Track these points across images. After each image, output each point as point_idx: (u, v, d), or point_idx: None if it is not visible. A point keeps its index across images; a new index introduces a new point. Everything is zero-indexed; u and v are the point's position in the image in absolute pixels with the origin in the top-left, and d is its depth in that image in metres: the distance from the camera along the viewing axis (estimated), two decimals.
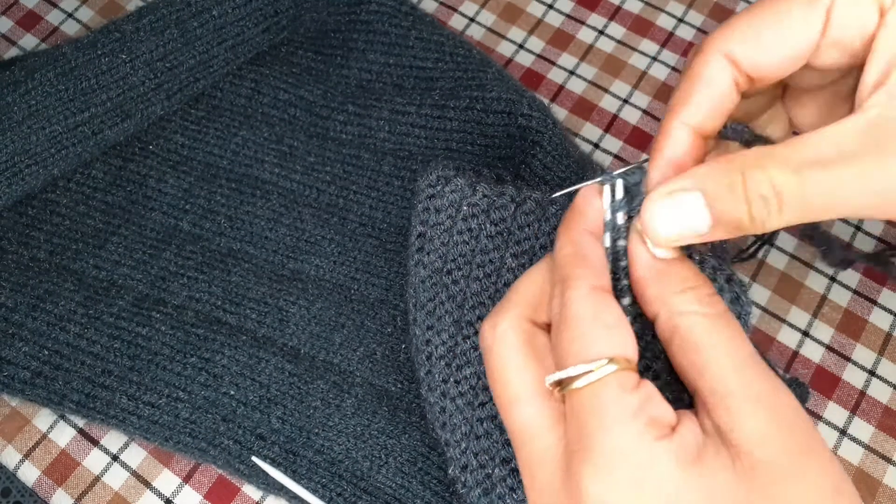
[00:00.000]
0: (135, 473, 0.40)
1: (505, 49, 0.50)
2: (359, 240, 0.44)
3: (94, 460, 0.40)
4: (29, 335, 0.40)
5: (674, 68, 0.49)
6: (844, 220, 0.44)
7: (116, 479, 0.40)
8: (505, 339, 0.29)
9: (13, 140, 0.43)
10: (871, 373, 0.41)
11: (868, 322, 0.42)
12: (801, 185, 0.25)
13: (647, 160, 0.30)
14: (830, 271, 0.43)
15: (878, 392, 0.41)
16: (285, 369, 0.40)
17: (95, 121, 0.45)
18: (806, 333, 0.42)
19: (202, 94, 0.47)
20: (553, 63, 0.50)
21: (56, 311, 0.41)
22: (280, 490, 0.38)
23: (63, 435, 0.41)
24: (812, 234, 0.38)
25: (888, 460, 0.39)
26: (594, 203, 0.30)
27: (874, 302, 0.43)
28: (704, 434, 0.26)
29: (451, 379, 0.34)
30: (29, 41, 0.51)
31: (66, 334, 0.40)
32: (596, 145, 0.47)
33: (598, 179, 0.31)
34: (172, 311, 0.41)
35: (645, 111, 0.48)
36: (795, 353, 0.42)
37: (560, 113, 0.48)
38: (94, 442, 0.41)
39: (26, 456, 0.40)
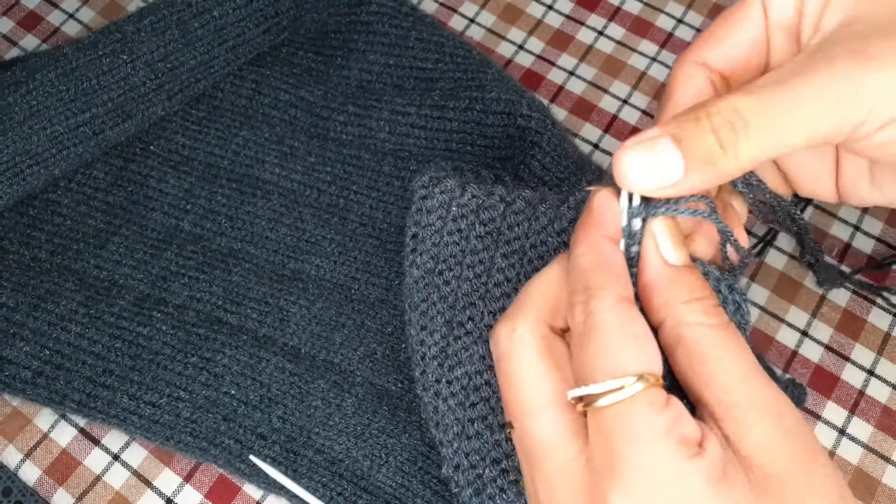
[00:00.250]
0: (136, 473, 0.40)
1: (505, 50, 0.50)
2: (359, 240, 0.44)
3: (95, 460, 0.40)
4: (30, 335, 0.41)
5: None
6: (843, 220, 0.44)
7: (117, 478, 0.40)
8: (523, 345, 0.28)
9: (14, 140, 0.43)
10: (870, 372, 0.41)
11: (867, 322, 0.42)
12: (761, 102, 0.26)
13: None
14: None
15: (877, 392, 0.41)
16: (286, 369, 0.40)
17: (96, 121, 0.45)
18: (805, 333, 0.42)
19: (203, 95, 0.47)
20: (553, 64, 0.50)
21: (57, 310, 0.41)
22: (281, 489, 0.38)
23: (64, 434, 0.41)
24: (814, 263, 0.39)
25: (887, 460, 0.40)
26: (612, 206, 0.29)
27: (873, 302, 0.43)
28: (726, 450, 0.25)
29: (444, 379, 0.34)
30: (30, 42, 0.51)
31: (68, 334, 0.41)
32: (595, 146, 0.47)
33: (612, 182, 0.31)
34: (173, 311, 0.41)
35: (644, 112, 0.48)
36: (794, 353, 0.42)
37: (560, 113, 0.48)
38: (95, 441, 0.41)
39: (27, 455, 0.40)
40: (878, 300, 0.43)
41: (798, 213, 0.34)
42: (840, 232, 0.44)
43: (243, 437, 0.39)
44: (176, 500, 0.39)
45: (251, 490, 0.40)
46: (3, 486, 0.39)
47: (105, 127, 0.45)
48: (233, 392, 0.39)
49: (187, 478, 0.40)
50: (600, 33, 0.51)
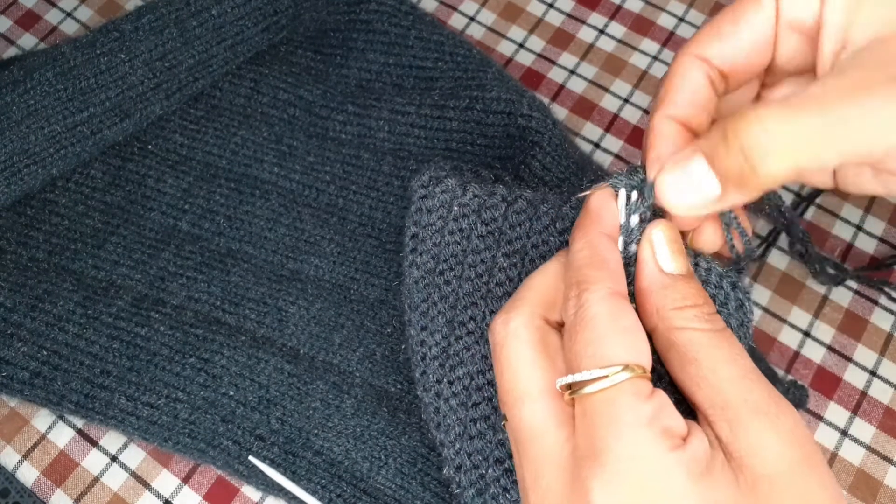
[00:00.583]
0: (134, 474, 0.40)
1: (505, 48, 0.50)
2: (358, 240, 0.43)
3: (92, 461, 0.40)
4: (28, 335, 0.40)
5: None
6: (846, 220, 0.44)
7: (115, 479, 0.40)
8: (517, 336, 0.28)
9: (12, 140, 0.43)
10: (873, 373, 0.41)
11: (869, 322, 0.42)
12: (794, 123, 0.26)
13: None
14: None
15: (880, 392, 0.41)
16: (284, 370, 0.40)
17: (94, 120, 0.45)
18: (807, 334, 0.42)
19: (201, 94, 0.47)
20: (553, 62, 0.50)
21: (55, 311, 0.41)
22: (279, 491, 0.38)
23: (62, 435, 0.41)
24: (804, 253, 0.38)
25: (889, 461, 0.39)
26: (610, 206, 0.30)
27: (875, 302, 0.43)
28: (711, 446, 0.25)
29: (445, 379, 0.34)
30: (28, 40, 0.51)
31: (65, 334, 0.40)
32: (596, 145, 0.47)
33: (611, 182, 0.31)
34: (171, 312, 0.41)
35: (646, 111, 0.48)
36: (796, 354, 0.42)
37: (560, 112, 0.48)
38: (93, 442, 0.41)
39: (25, 456, 0.40)
40: (881, 300, 0.42)
41: (785, 203, 0.34)
42: (842, 232, 0.44)
43: (242, 439, 0.39)
44: (174, 502, 0.39)
45: (250, 492, 0.39)
46: (0, 487, 0.39)
47: (103, 126, 0.45)
48: (231, 393, 0.39)
49: (186, 479, 0.40)
50: (601, 32, 0.50)
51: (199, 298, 0.42)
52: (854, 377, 0.41)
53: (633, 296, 0.30)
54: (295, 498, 0.38)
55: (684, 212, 0.28)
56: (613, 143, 0.47)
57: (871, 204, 0.45)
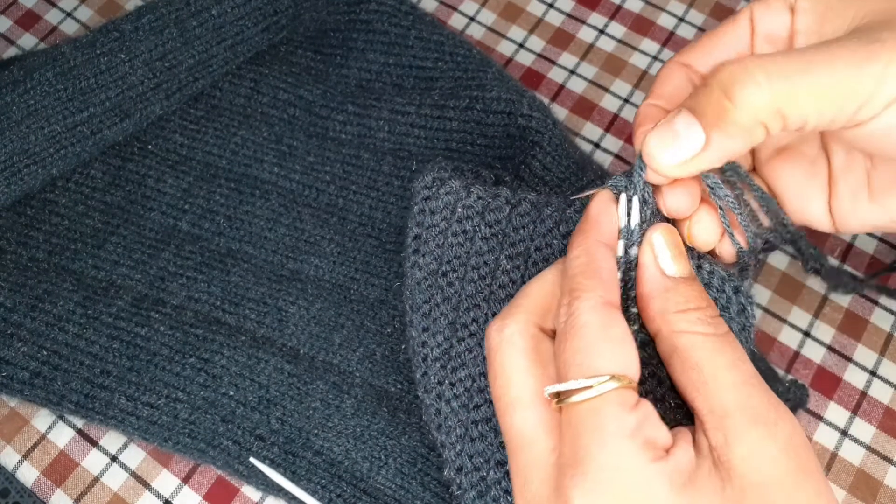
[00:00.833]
0: (134, 474, 0.40)
1: (505, 48, 0.50)
2: (358, 240, 0.43)
3: (92, 461, 0.40)
4: (28, 335, 0.40)
5: None
6: None
7: (115, 479, 0.40)
8: (511, 342, 0.29)
9: (12, 140, 0.43)
10: (873, 373, 0.41)
11: (869, 322, 0.42)
12: (770, 61, 0.27)
13: None
14: None
15: (880, 392, 0.41)
16: (284, 370, 0.40)
17: (94, 120, 0.45)
18: (807, 334, 0.42)
19: (201, 94, 0.47)
20: (553, 62, 0.50)
21: (55, 311, 0.41)
22: (279, 491, 0.38)
23: (62, 435, 0.41)
24: (819, 269, 0.38)
25: (889, 461, 0.39)
26: (609, 212, 0.30)
27: (875, 302, 0.43)
28: (699, 454, 0.25)
29: (447, 381, 0.34)
30: (28, 40, 0.51)
31: (65, 334, 0.40)
32: (596, 145, 0.47)
33: (611, 183, 0.31)
34: (171, 312, 0.41)
35: None
36: (796, 354, 0.42)
37: (560, 112, 0.48)
38: (93, 442, 0.41)
39: (25, 456, 0.40)
40: (881, 300, 0.42)
41: (788, 218, 0.33)
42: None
43: (242, 439, 0.39)
44: (174, 502, 0.39)
45: (250, 492, 0.39)
46: (0, 488, 0.39)
47: (103, 126, 0.45)
48: (231, 393, 0.39)
49: (186, 479, 0.40)
50: (601, 32, 0.50)
51: (199, 298, 0.42)
52: (854, 377, 0.41)
53: (636, 300, 0.30)
54: (295, 498, 0.38)
55: (674, 170, 0.28)
56: (613, 143, 0.47)
57: None
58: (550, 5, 0.51)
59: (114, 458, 0.40)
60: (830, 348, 0.42)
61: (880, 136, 0.28)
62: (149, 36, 0.45)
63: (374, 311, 0.42)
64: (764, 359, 0.39)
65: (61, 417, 0.41)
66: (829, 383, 0.41)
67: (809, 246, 0.37)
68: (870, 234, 0.44)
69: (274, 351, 0.40)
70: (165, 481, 0.40)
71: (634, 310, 0.30)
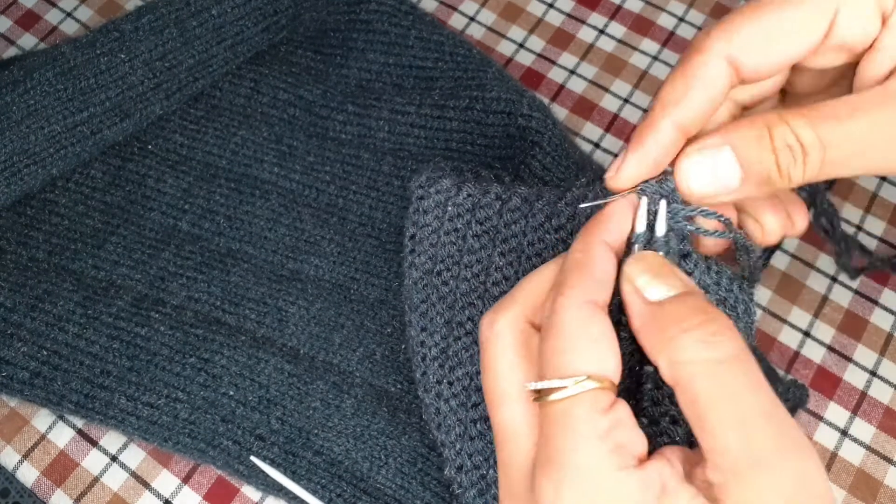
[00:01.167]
0: (134, 474, 0.40)
1: (505, 48, 0.50)
2: (358, 240, 0.43)
3: (92, 461, 0.40)
4: (28, 335, 0.40)
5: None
6: (846, 220, 0.44)
7: (115, 479, 0.40)
8: (501, 337, 0.28)
9: (12, 140, 0.43)
10: (873, 373, 0.41)
11: (869, 322, 0.42)
12: (820, 136, 0.27)
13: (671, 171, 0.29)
14: (832, 271, 0.43)
15: (880, 392, 0.41)
16: (284, 370, 0.40)
17: (94, 120, 0.45)
18: (807, 334, 0.42)
19: (201, 94, 0.47)
20: (553, 62, 0.50)
21: (55, 311, 0.41)
22: (279, 491, 0.38)
23: (62, 435, 0.41)
24: (829, 229, 0.37)
25: (889, 461, 0.39)
26: (623, 214, 0.29)
27: (875, 302, 0.43)
28: (690, 481, 0.24)
29: (445, 380, 0.34)
30: (28, 40, 0.51)
31: (65, 334, 0.40)
32: (596, 145, 0.47)
33: (640, 188, 0.29)
34: (171, 312, 0.41)
35: (646, 111, 0.48)
36: (796, 354, 0.42)
37: (560, 112, 0.48)
38: (93, 442, 0.41)
39: (25, 456, 0.40)
40: (881, 300, 0.42)
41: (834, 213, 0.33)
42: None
43: (242, 439, 0.39)
44: (174, 502, 0.39)
45: (250, 492, 0.39)
46: (0, 487, 0.39)
47: (103, 126, 0.45)
48: (231, 393, 0.39)
49: (186, 479, 0.40)
50: (601, 32, 0.50)
51: (199, 298, 0.42)
52: (854, 377, 0.41)
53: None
54: (295, 498, 0.38)
55: (697, 198, 0.28)
56: (613, 144, 0.47)
57: (871, 204, 0.45)
58: (550, 5, 0.51)
59: (114, 458, 0.40)
60: (830, 348, 0.42)
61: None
62: (149, 36, 0.45)
63: (374, 310, 0.42)
64: (764, 358, 0.39)
65: (61, 417, 0.41)
66: (828, 383, 0.41)
67: (827, 203, 0.36)
68: (869, 234, 0.44)
69: (274, 351, 0.40)
70: (165, 481, 0.40)
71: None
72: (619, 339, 0.27)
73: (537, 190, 0.35)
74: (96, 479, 0.40)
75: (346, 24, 0.48)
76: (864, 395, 0.41)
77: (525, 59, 0.50)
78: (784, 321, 0.42)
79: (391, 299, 0.42)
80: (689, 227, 0.29)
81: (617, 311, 0.29)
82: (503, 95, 0.43)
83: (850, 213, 0.44)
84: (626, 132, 0.47)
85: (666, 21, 0.51)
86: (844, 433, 0.40)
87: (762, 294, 0.43)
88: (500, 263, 0.35)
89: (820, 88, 0.32)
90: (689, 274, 0.29)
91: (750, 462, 0.23)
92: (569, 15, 0.51)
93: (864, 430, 0.40)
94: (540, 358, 0.27)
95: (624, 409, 0.25)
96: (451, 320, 0.35)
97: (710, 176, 0.28)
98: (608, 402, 0.25)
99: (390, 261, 0.43)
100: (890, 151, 0.27)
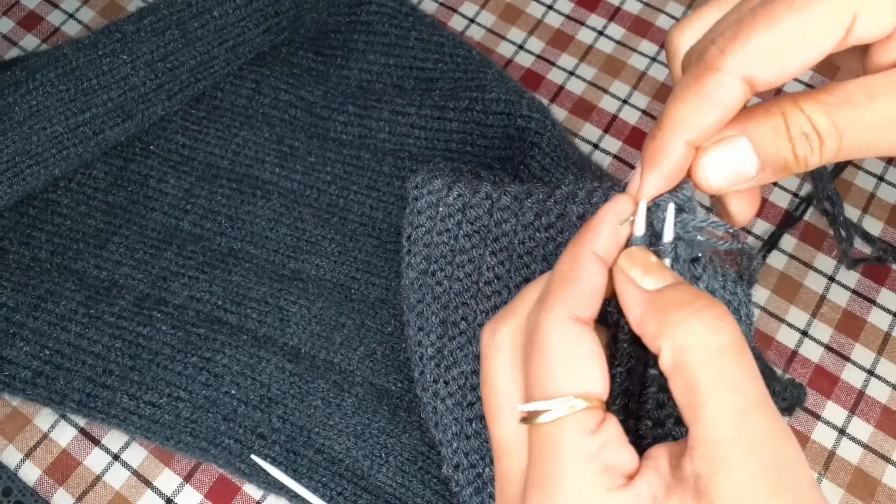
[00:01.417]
0: (136, 473, 0.40)
1: (505, 50, 0.50)
2: (359, 240, 0.44)
3: (95, 460, 0.40)
4: (30, 335, 0.41)
5: None
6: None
7: (117, 478, 0.40)
8: (500, 349, 0.28)
9: (14, 140, 0.43)
10: (870, 372, 0.41)
11: (867, 322, 0.42)
12: (836, 123, 0.27)
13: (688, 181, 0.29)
14: (830, 271, 0.43)
15: (877, 392, 0.41)
16: (286, 369, 0.40)
17: (96, 121, 0.45)
18: (805, 333, 0.42)
19: (203, 95, 0.47)
20: (553, 64, 0.50)
21: (57, 310, 0.41)
22: (281, 489, 0.38)
23: (64, 434, 0.41)
24: (831, 212, 0.36)
25: (887, 460, 0.40)
26: (613, 222, 0.28)
27: (873, 302, 0.43)
28: (677, 481, 0.24)
29: (441, 379, 0.34)
30: (30, 42, 0.51)
31: (68, 334, 0.41)
32: (595, 146, 0.47)
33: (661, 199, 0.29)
34: (173, 311, 0.41)
35: (644, 111, 0.48)
36: (794, 353, 0.42)
37: (560, 113, 0.48)
38: (95, 441, 0.41)
39: (27, 455, 0.40)
40: (878, 299, 0.43)
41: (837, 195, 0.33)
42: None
43: (243, 437, 0.39)
44: (176, 500, 0.39)
45: (251, 490, 0.40)
46: (3, 486, 0.39)
47: (105, 127, 0.45)
48: (233, 392, 0.39)
49: (187, 478, 0.40)
50: (600, 33, 0.51)
51: (200, 298, 0.42)
52: (852, 376, 0.41)
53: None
54: (296, 496, 0.38)
55: (714, 189, 0.28)
56: (612, 144, 0.47)
57: (869, 204, 0.45)
58: (550, 7, 0.52)
59: (116, 457, 0.40)
60: (828, 348, 0.42)
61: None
62: (151, 37, 0.45)
63: (375, 310, 0.42)
64: (762, 357, 0.40)
65: (63, 416, 0.41)
66: (826, 382, 0.41)
67: (832, 188, 0.36)
68: (869, 235, 0.44)
69: (275, 350, 0.40)
70: (167, 480, 0.40)
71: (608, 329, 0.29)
72: (619, 339, 0.27)
73: (527, 187, 0.35)
74: (98, 478, 0.40)
75: (346, 26, 0.48)
76: (861, 394, 0.41)
77: (524, 60, 0.50)
78: (782, 321, 0.43)
79: (391, 299, 0.42)
80: (698, 237, 0.29)
81: (616, 312, 0.29)
82: (503, 96, 0.43)
83: (849, 212, 0.45)
84: (624, 133, 0.48)
85: (664, 22, 0.51)
86: (842, 432, 0.40)
87: (760, 294, 0.43)
88: (492, 263, 0.35)
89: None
90: (698, 278, 0.29)
91: (743, 451, 0.23)
92: (568, 16, 0.51)
93: (861, 429, 0.40)
94: (525, 378, 0.26)
95: (613, 427, 0.25)
96: (445, 320, 0.35)
97: (729, 168, 0.28)
98: (596, 421, 0.25)
99: (390, 260, 0.43)
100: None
